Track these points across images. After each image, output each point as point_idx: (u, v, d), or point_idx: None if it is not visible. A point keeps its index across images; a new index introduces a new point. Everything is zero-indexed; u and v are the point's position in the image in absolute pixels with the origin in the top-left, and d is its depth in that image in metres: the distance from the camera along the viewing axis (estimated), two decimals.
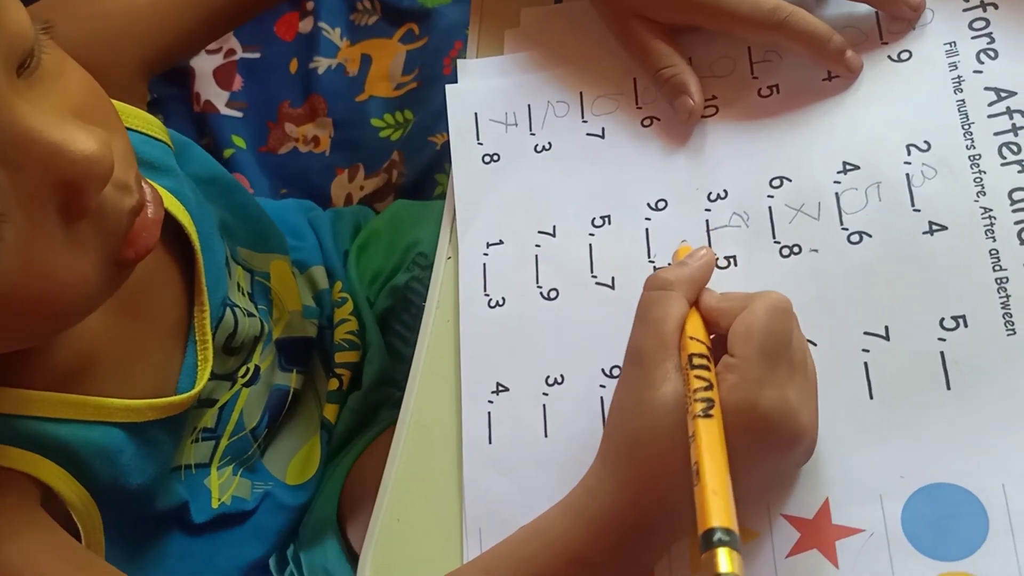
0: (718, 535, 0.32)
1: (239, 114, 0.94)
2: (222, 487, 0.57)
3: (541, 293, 0.50)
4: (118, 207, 0.38)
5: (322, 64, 0.92)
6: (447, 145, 0.89)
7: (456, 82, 0.56)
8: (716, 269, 0.46)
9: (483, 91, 0.55)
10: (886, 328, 0.42)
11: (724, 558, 0.32)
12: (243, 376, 0.57)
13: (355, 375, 0.70)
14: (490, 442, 0.48)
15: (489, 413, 0.48)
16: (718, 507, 0.33)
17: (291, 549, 0.69)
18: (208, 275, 0.52)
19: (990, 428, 0.39)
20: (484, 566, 0.43)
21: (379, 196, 0.90)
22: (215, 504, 0.56)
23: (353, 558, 0.66)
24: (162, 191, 0.47)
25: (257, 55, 0.95)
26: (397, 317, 0.75)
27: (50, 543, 0.44)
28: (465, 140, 0.55)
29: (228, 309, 0.54)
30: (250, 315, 0.57)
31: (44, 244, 0.36)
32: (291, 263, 0.66)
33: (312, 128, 0.93)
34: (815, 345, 0.43)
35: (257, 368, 0.58)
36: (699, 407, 0.36)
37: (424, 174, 0.89)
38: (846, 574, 0.39)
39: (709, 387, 0.37)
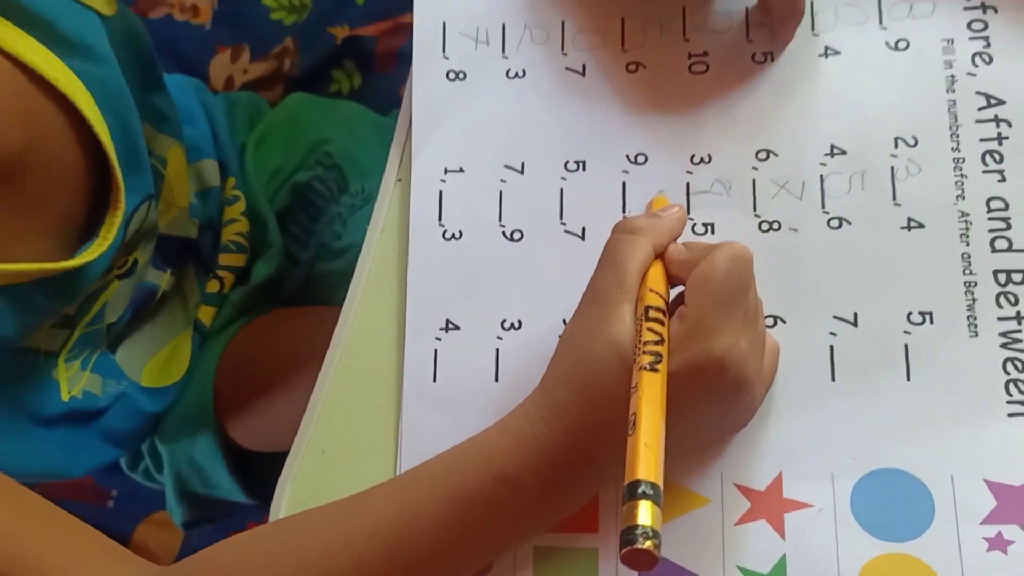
0: (643, 487, 0.32)
1: None
2: (71, 380, 0.52)
3: (504, 232, 0.47)
4: None
5: None
6: (349, 41, 0.83)
7: None
8: (693, 235, 0.45)
9: None
10: (855, 314, 0.43)
11: (645, 511, 0.32)
12: (120, 267, 0.51)
13: (238, 279, 0.64)
14: (434, 380, 0.45)
15: (436, 350, 0.46)
16: (647, 461, 0.33)
17: (147, 444, 0.64)
18: (129, 177, 0.46)
19: (944, 421, 0.41)
20: (413, 475, 0.41)
21: (266, 84, 0.83)
22: (65, 397, 0.51)
23: (230, 451, 0.62)
24: (70, 76, 0.42)
25: None
26: (294, 218, 0.70)
27: None
28: (429, 50, 0.50)
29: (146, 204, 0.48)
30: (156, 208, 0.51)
31: None
32: (185, 152, 0.59)
33: None
34: (784, 322, 0.43)
35: (136, 261, 0.53)
36: (646, 359, 0.36)
37: (320, 68, 0.83)
38: (791, 545, 0.40)
39: (659, 341, 0.36)
